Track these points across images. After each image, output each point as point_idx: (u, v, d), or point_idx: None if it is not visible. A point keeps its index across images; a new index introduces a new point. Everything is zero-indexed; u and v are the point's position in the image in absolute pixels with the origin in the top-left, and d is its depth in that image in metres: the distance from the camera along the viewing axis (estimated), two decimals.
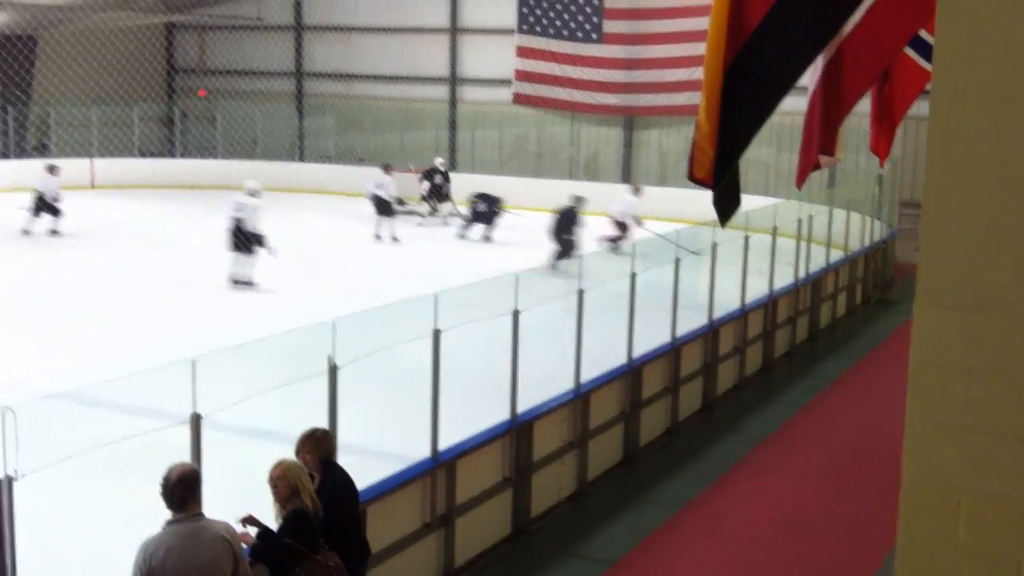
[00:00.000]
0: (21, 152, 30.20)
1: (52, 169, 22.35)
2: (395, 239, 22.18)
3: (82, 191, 28.64)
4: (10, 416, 4.79)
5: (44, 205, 21.69)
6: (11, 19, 27.92)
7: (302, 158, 33.04)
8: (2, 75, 30.26)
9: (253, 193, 18.03)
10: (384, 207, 22.59)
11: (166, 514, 5.37)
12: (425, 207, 25.55)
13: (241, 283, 17.35)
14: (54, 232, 21.67)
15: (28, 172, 28.04)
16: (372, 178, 23.44)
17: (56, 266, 18.57)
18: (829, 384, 14.14)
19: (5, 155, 29.97)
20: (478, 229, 23.19)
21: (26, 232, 21.37)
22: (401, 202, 23.77)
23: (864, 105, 6.34)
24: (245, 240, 17.36)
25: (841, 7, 4.53)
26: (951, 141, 2.58)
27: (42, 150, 30.80)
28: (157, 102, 34.31)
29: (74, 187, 28.60)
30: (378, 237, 22.27)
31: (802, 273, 15.82)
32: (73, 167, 29.18)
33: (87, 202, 26.60)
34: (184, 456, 5.82)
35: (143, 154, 31.91)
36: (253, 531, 5.79)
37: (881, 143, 7.02)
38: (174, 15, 31.68)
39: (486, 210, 23.50)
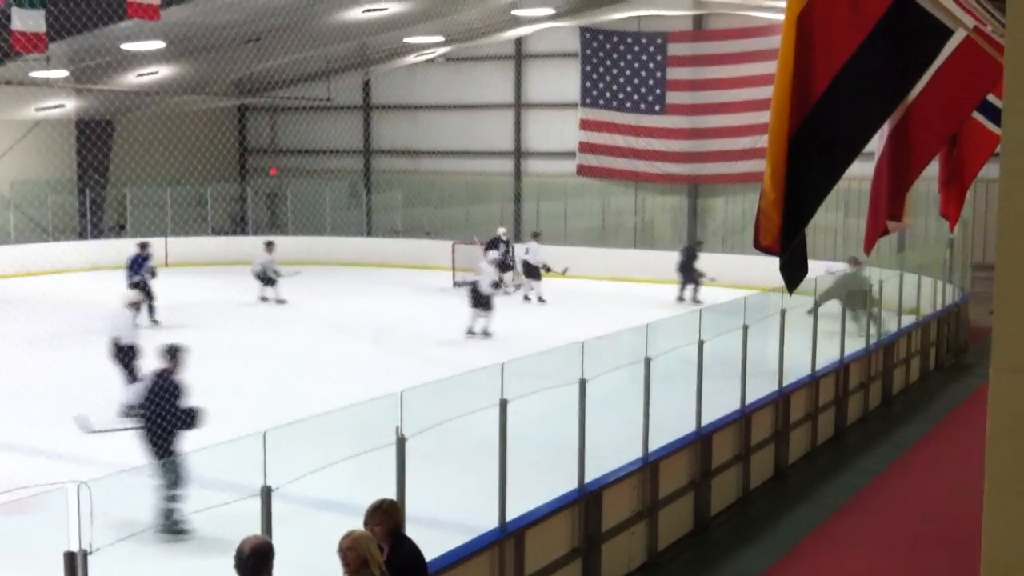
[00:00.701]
0: (98, 233, 31.03)
1: (269, 245, 23.97)
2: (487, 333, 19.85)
3: (157, 269, 29.30)
4: (85, 491, 4.88)
5: (265, 279, 23.46)
6: (89, 105, 28.88)
7: (370, 233, 33.51)
8: (80, 158, 31.26)
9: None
10: (481, 300, 20.06)
11: None
12: (506, 277, 25.72)
13: (477, 335, 19.10)
14: (280, 301, 23.08)
15: (104, 252, 28.87)
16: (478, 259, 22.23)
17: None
18: (905, 451, 13.82)
19: (83, 236, 30.80)
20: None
21: (264, 299, 23.34)
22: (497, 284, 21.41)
23: (932, 169, 6.30)
24: (483, 298, 19.29)
25: (908, 73, 4.52)
26: (1022, 203, 2.55)
27: (119, 231, 31.62)
28: (229, 181, 35.14)
29: None
30: (471, 332, 19.86)
31: (873, 338, 15.58)
32: None
33: (161, 280, 27.19)
34: (255, 528, 5.86)
35: (216, 232, 32.61)
36: None
37: (951, 207, 6.94)
38: (246, 98, 32.55)
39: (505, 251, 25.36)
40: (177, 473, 8.55)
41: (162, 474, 8.52)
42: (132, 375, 13.77)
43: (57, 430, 13.17)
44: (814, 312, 14.07)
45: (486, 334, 19.71)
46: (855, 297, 16.14)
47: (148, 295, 20.71)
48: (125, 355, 14.11)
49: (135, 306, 15.26)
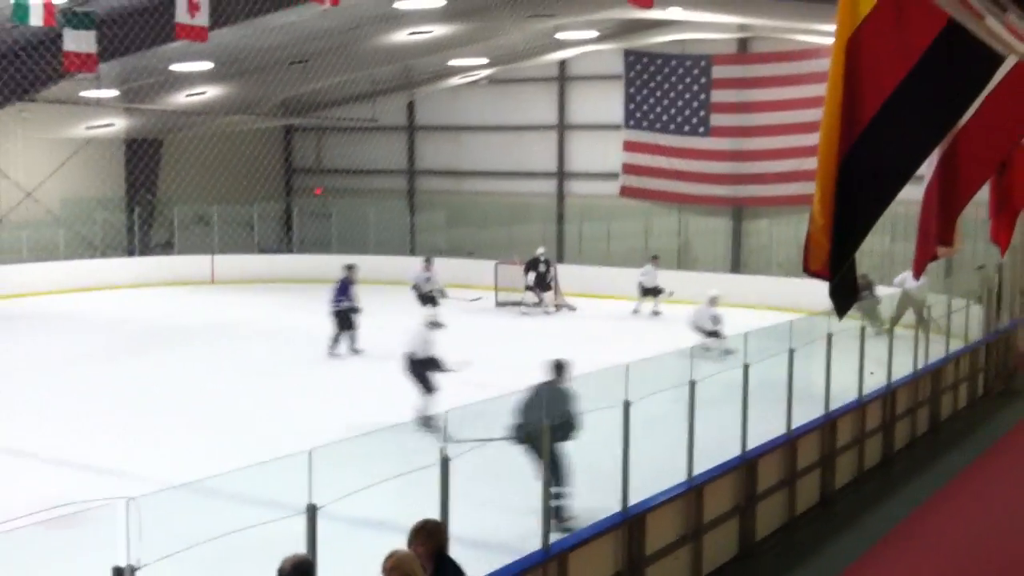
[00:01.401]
0: (146, 250, 31.44)
1: (427, 261, 23.90)
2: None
3: (203, 286, 29.65)
4: (133, 507, 4.94)
5: (426, 298, 22.80)
6: (139, 124, 29.34)
7: (413, 252, 33.65)
8: (129, 176, 31.72)
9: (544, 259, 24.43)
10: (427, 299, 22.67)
11: None
12: (531, 297, 25.77)
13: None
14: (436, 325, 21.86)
15: (152, 269, 29.23)
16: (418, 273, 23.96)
17: (180, 362, 19.12)
18: (952, 478, 13.63)
19: (131, 253, 31.23)
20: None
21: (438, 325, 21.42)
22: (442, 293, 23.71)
23: (982, 194, 6.25)
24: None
25: (958, 100, 4.50)
26: None
27: (167, 248, 32.03)
28: (275, 200, 35.49)
29: (195, 283, 29.67)
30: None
31: (921, 363, 15.42)
32: (195, 263, 30.29)
33: (208, 298, 27.50)
34: (300, 547, 5.89)
35: (262, 250, 32.92)
36: None
37: (1002, 233, 6.88)
38: (293, 118, 32.91)
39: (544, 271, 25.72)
40: (560, 473, 9.52)
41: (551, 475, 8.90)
42: (428, 388, 14.35)
43: (106, 446, 13.34)
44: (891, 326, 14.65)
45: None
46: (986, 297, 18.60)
47: (349, 324, 19.75)
48: (422, 367, 14.45)
49: (435, 325, 15.44)
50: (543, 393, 9.77)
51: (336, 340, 19.41)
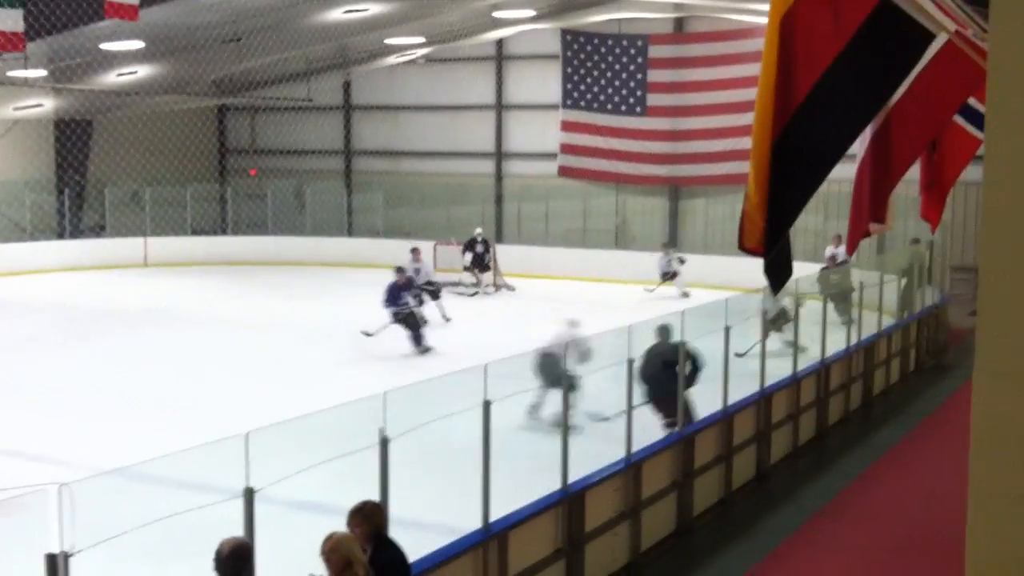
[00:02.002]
0: (78, 232, 30.86)
1: (414, 252, 22.21)
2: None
3: (136, 269, 29.20)
4: (66, 492, 4.85)
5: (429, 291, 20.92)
6: (68, 104, 28.72)
7: (351, 233, 33.44)
8: (59, 158, 31.07)
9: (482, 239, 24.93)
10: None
11: None
12: (469, 277, 25.77)
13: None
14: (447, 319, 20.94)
15: (84, 252, 28.70)
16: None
17: (113, 348, 18.83)
18: (885, 452, 13.89)
19: (62, 236, 30.63)
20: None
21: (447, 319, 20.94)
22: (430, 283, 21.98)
23: (913, 172, 6.34)
24: None
25: (890, 77, 4.55)
26: (1006, 208, 2.57)
27: (99, 231, 31.46)
28: (209, 182, 35.00)
29: (128, 265, 29.21)
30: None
31: (854, 339, 15.67)
32: (127, 246, 29.81)
33: (141, 281, 27.09)
34: (238, 531, 5.84)
35: (196, 232, 32.48)
36: None
37: (932, 209, 7.00)
38: (226, 98, 32.43)
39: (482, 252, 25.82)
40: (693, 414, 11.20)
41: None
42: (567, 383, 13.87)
43: (37, 431, 13.10)
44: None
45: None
46: (916, 271, 19.26)
47: (415, 323, 18.27)
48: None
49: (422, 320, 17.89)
50: (665, 352, 11.12)
51: (417, 340, 18.03)
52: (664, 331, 11.51)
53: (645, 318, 11.88)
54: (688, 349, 11.07)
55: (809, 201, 4.58)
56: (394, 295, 18.35)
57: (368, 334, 17.98)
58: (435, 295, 21.28)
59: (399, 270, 19.03)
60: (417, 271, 21.32)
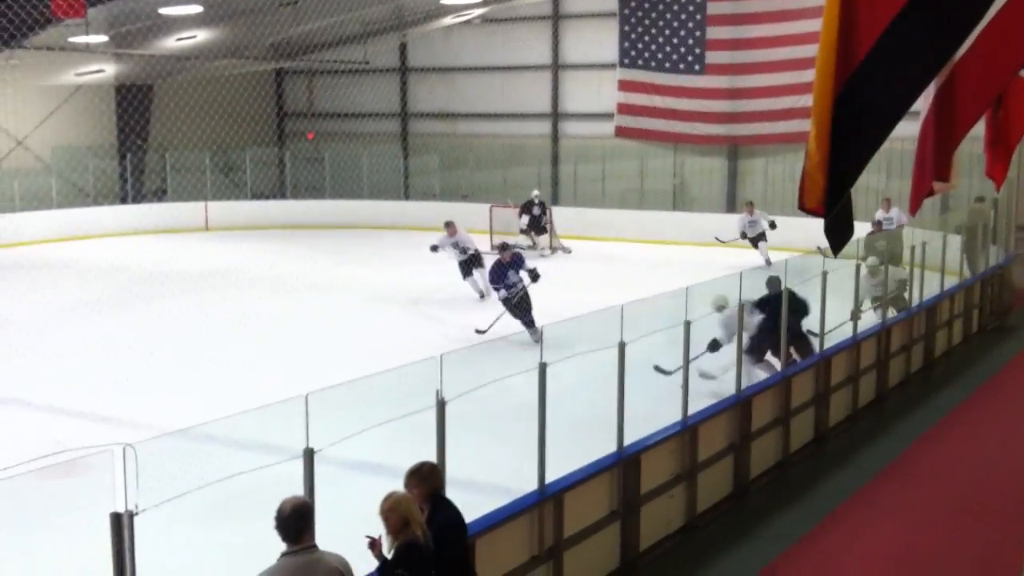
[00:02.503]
0: (140, 197, 31.31)
1: (448, 226, 20.19)
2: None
3: (197, 233, 29.60)
4: (130, 452, 4.94)
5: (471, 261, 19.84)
6: (128, 69, 29.04)
7: (407, 196, 33.56)
8: (120, 123, 31.48)
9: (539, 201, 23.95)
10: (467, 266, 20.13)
11: (281, 547, 5.47)
12: (525, 240, 25.75)
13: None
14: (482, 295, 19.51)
15: (146, 217, 29.13)
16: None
17: (176, 310, 19.12)
18: (946, 414, 13.71)
19: (124, 200, 31.09)
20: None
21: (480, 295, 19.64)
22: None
23: (977, 129, 6.19)
24: None
25: (953, 32, 4.43)
26: None
27: (160, 195, 31.89)
28: (268, 146, 35.28)
29: (189, 230, 29.61)
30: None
31: (916, 300, 15.44)
32: (188, 210, 30.21)
33: (202, 245, 27.46)
34: (297, 490, 5.92)
35: (255, 196, 32.79)
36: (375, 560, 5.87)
37: (997, 168, 6.83)
38: (283, 61, 32.59)
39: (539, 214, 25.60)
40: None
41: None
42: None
43: (103, 394, 13.37)
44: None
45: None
46: (980, 231, 19.29)
47: (526, 307, 16.23)
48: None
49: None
50: (777, 298, 12.06)
51: (530, 324, 15.49)
52: (773, 282, 12.58)
53: (703, 279, 11.80)
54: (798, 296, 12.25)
55: (871, 160, 4.50)
56: (500, 275, 16.18)
57: (481, 331, 15.79)
58: (477, 263, 19.88)
59: (503, 247, 16.69)
60: (456, 245, 19.95)
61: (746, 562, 9.15)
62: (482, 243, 26.64)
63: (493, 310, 16.65)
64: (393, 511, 5.81)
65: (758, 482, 10.95)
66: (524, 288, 16.13)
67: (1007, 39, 5.34)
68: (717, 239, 24.49)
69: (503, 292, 16.14)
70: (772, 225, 23.29)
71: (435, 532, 5.99)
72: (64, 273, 22.77)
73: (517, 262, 16.28)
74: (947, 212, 22.40)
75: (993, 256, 19.84)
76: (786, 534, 9.76)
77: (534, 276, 16.01)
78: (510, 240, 25.95)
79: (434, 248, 19.52)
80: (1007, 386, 15.02)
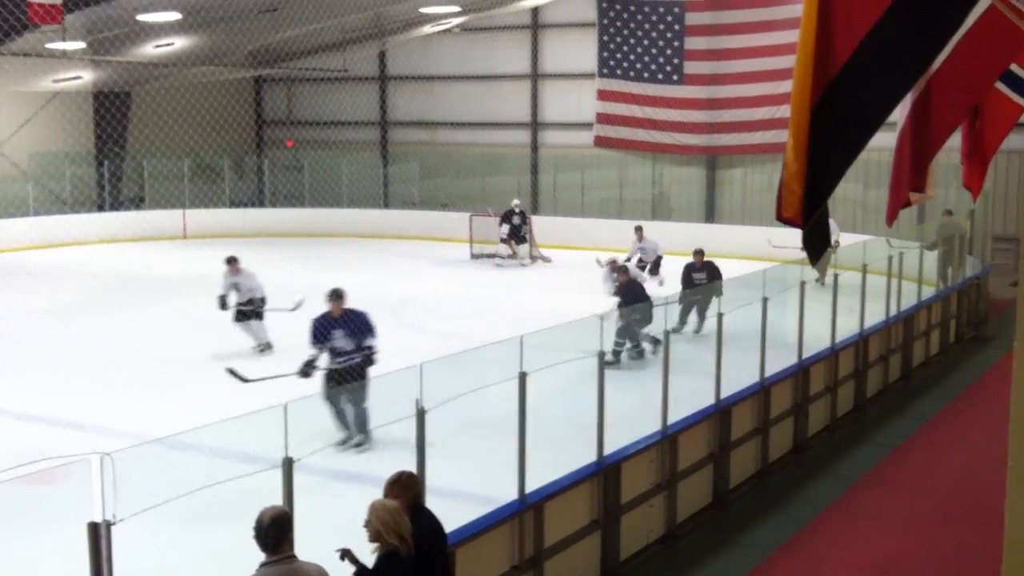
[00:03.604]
0: (117, 205, 31.13)
1: (231, 262, 16.67)
2: None
3: (175, 241, 29.45)
4: (108, 462, 4.91)
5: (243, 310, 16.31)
6: (106, 76, 28.90)
7: (387, 205, 33.53)
8: (98, 130, 31.32)
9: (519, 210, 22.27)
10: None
11: (259, 557, 5.44)
12: (505, 249, 25.76)
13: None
14: (263, 347, 16.18)
15: (123, 224, 28.97)
16: None
17: (153, 317, 19.01)
18: (924, 423, 13.79)
19: (101, 208, 30.91)
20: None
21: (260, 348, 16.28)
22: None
23: (954, 140, 6.24)
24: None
25: (931, 43, 4.46)
26: None
27: (138, 203, 31.72)
28: (246, 153, 35.18)
29: (167, 237, 29.46)
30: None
31: (893, 310, 15.53)
32: (166, 218, 30.06)
33: (179, 252, 27.32)
34: (276, 500, 5.89)
35: (233, 204, 32.67)
36: (351, 569, 5.84)
37: (974, 178, 6.89)
38: (262, 69, 32.51)
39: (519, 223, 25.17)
40: None
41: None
42: None
43: (79, 400, 13.27)
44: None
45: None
46: (951, 243, 19.11)
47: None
48: None
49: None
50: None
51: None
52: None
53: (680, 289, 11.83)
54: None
55: (848, 170, 4.53)
56: (324, 334, 11.60)
57: (244, 379, 12.05)
58: (256, 315, 16.24)
59: (335, 296, 11.82)
60: (237, 287, 16.29)
61: (727, 571, 9.17)
62: (462, 251, 26.70)
63: (482, 307, 16.59)
64: (377, 520, 5.79)
65: (738, 491, 10.98)
66: (361, 363, 11.17)
67: (984, 50, 5.39)
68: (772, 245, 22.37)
69: (326, 359, 11.53)
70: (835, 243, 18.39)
71: (416, 541, 5.97)
72: (41, 280, 22.61)
73: (359, 324, 11.53)
74: (924, 222, 22.56)
75: (970, 267, 19.97)
76: (766, 542, 9.78)
77: (367, 359, 11.20)
78: (489, 249, 26.14)
79: (223, 302, 16.07)
80: (984, 395, 15.11)
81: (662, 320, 10.43)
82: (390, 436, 6.72)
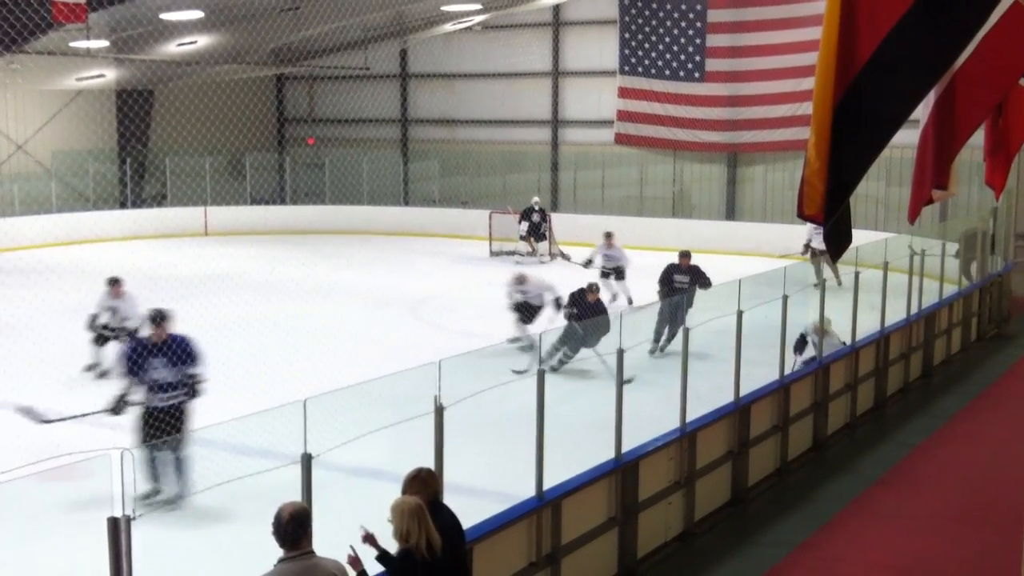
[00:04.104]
0: (140, 202, 31.30)
1: (113, 283, 15.50)
2: None
3: (197, 238, 29.59)
4: (128, 457, 4.94)
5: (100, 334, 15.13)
6: (130, 74, 29.05)
7: (407, 202, 33.58)
8: (121, 128, 31.49)
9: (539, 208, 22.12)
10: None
11: (278, 552, 5.46)
12: (524, 247, 25.76)
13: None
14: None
15: (145, 221, 29.12)
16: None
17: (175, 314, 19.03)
18: (945, 422, 13.71)
19: (124, 205, 31.08)
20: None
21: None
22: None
23: (977, 138, 6.20)
24: None
25: (953, 40, 4.44)
26: None
27: (160, 200, 31.88)
28: (268, 151, 35.29)
29: (189, 234, 29.60)
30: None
31: (915, 308, 15.44)
32: (188, 215, 30.20)
33: (201, 249, 27.44)
34: (295, 496, 5.91)
35: (254, 201, 32.79)
36: (372, 552, 5.85)
37: (996, 176, 6.84)
38: (284, 67, 32.61)
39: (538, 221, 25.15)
40: None
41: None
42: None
43: (99, 397, 13.33)
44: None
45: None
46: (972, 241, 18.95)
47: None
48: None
49: None
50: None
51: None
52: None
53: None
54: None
55: (871, 167, 4.51)
56: (139, 363, 10.19)
57: (44, 419, 11.04)
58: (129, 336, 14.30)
59: (156, 320, 10.60)
60: (115, 311, 15.34)
61: (745, 569, 9.14)
62: (482, 249, 26.69)
63: (499, 306, 16.53)
64: (398, 518, 5.81)
65: (756, 489, 10.95)
66: (185, 397, 10.07)
67: (1008, 47, 5.35)
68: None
69: (141, 394, 10.06)
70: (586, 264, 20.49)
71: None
72: (64, 277, 22.74)
73: (183, 351, 10.38)
74: (946, 220, 22.42)
75: (992, 265, 19.84)
76: (785, 541, 9.75)
77: (191, 391, 10.10)
78: (508, 247, 26.13)
79: (92, 321, 14.96)
80: (1005, 394, 15.01)
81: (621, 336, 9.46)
82: (409, 432, 6.72)
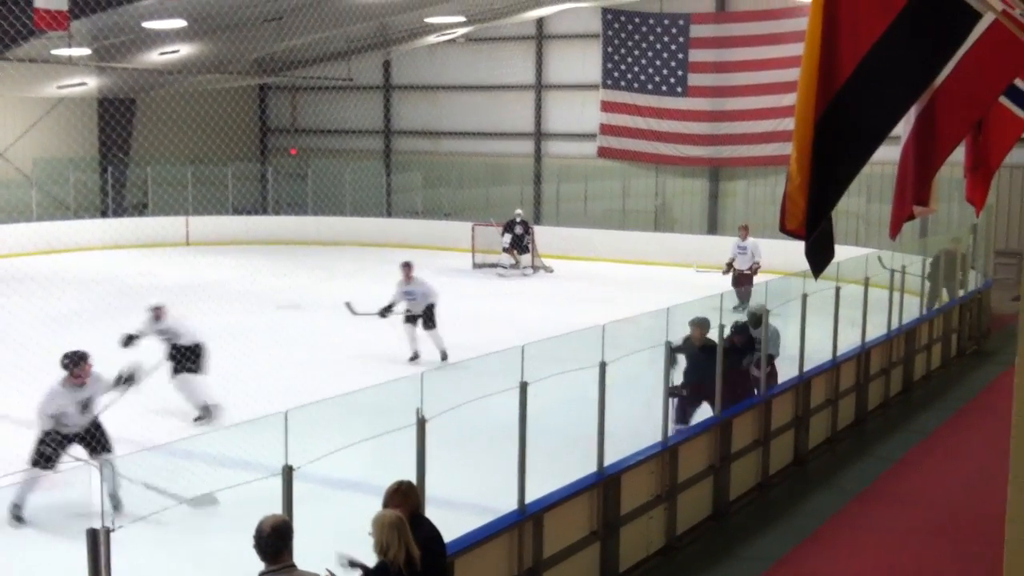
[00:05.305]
0: (121, 211, 31.16)
1: (157, 311, 14.56)
2: None
3: (178, 248, 29.47)
4: (108, 469, 4.91)
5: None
6: (111, 83, 28.96)
7: (390, 214, 33.56)
8: (102, 136, 31.38)
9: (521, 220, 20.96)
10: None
11: (259, 566, 5.43)
12: (507, 259, 25.80)
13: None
14: None
15: (126, 230, 28.99)
16: None
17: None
18: (925, 437, 13.76)
19: (105, 214, 30.94)
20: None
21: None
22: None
23: (957, 154, 6.24)
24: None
25: (935, 58, 4.47)
26: None
27: (141, 209, 31.75)
28: (250, 161, 35.23)
29: (170, 244, 29.48)
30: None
31: (895, 324, 15.51)
32: (169, 224, 30.09)
33: (182, 258, 27.34)
34: (276, 508, 5.88)
35: (236, 211, 32.70)
36: (357, 573, 5.83)
37: (977, 192, 6.90)
38: (267, 77, 32.59)
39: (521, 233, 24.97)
40: None
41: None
42: None
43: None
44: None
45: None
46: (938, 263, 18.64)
47: None
48: None
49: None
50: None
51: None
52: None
53: (684, 300, 11.82)
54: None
55: (852, 183, 4.53)
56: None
57: None
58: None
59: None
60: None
61: None
62: (465, 261, 26.70)
63: (483, 318, 16.50)
64: (378, 530, 5.79)
65: (738, 503, 10.95)
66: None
67: (988, 65, 5.40)
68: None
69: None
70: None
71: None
72: (44, 286, 22.60)
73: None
74: (926, 236, 22.56)
75: (973, 281, 19.96)
76: (766, 555, 9.75)
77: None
78: (491, 259, 26.14)
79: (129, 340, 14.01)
80: (985, 409, 15.08)
81: None
82: (391, 445, 6.70)
